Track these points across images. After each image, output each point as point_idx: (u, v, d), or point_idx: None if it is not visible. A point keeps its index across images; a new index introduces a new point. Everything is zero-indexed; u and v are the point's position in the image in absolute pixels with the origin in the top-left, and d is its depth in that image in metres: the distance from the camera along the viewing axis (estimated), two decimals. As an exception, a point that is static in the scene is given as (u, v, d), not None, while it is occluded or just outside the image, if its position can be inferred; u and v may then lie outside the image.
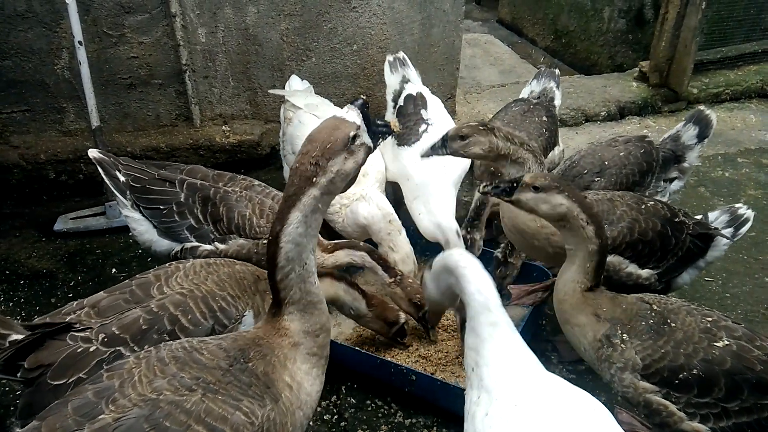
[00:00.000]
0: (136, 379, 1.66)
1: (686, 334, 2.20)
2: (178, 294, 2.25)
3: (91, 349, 2.06)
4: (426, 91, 3.80)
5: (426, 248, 3.60)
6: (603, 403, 1.77)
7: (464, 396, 1.89)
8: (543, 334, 3.27)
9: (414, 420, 2.78)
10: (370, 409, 2.84)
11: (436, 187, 3.30)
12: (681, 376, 2.13)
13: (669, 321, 2.25)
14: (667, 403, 2.15)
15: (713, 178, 4.74)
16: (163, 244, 2.88)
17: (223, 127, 4.48)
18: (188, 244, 2.82)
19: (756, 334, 2.23)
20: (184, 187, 2.82)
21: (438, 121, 3.57)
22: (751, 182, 4.68)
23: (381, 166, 3.51)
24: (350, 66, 4.58)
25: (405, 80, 3.88)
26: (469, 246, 3.36)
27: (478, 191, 3.31)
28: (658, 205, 2.82)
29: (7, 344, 2.04)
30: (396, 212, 3.27)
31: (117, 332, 2.10)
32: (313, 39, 4.39)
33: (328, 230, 3.44)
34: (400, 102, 3.76)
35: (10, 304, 3.41)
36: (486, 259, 3.32)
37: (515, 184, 2.29)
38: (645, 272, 2.76)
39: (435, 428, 2.74)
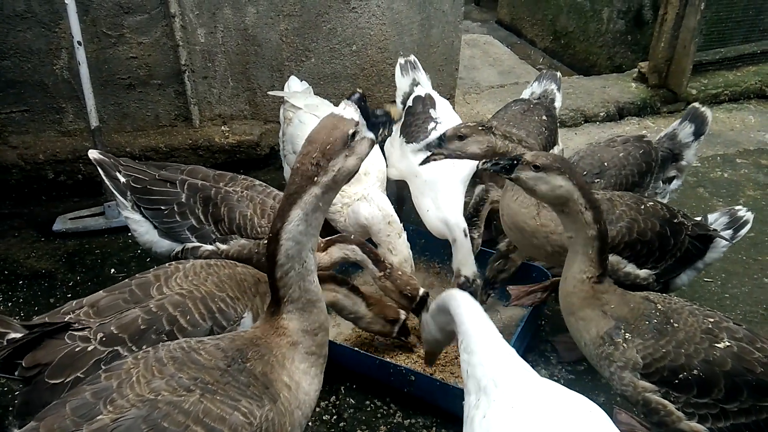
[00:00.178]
0: (134, 379, 1.66)
1: (688, 334, 2.19)
2: (178, 294, 2.25)
3: (89, 349, 2.06)
4: (435, 94, 3.79)
5: (426, 248, 3.60)
6: (602, 404, 1.77)
7: (463, 396, 1.89)
8: (542, 335, 3.27)
9: (413, 420, 2.78)
10: (369, 409, 2.84)
11: (444, 184, 3.28)
12: (681, 376, 2.13)
13: (672, 321, 2.24)
14: (666, 402, 2.14)
15: (712, 178, 4.74)
16: (164, 244, 2.87)
17: (223, 127, 4.48)
18: (189, 245, 2.82)
19: (757, 336, 2.23)
20: (185, 187, 2.82)
21: (446, 120, 3.55)
22: (749, 183, 4.68)
23: (382, 165, 3.50)
24: (349, 66, 4.58)
25: (415, 83, 3.88)
26: None
27: (478, 167, 3.22)
28: (658, 206, 2.81)
29: (5, 342, 2.03)
30: (398, 212, 3.26)
31: (115, 332, 2.10)
32: (312, 39, 4.40)
33: (329, 230, 3.43)
34: (409, 102, 3.76)
35: (9, 304, 3.40)
36: (484, 259, 3.32)
37: (516, 162, 2.22)
38: (643, 272, 2.75)
39: (434, 429, 2.74)
